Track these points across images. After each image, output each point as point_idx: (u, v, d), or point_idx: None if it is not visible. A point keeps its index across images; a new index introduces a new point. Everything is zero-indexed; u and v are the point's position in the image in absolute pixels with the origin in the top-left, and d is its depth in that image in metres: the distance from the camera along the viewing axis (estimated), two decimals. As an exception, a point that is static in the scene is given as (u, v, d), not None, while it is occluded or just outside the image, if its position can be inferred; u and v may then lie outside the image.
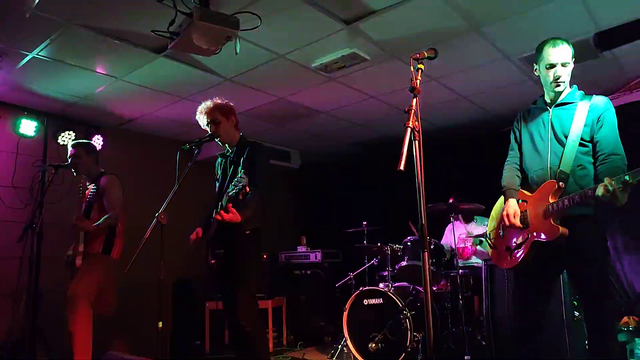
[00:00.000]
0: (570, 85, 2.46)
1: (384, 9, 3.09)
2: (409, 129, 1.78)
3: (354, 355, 4.20)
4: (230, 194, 2.70)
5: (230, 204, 2.74)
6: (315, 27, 3.31)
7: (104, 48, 3.48)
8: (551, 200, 2.28)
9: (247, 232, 2.99)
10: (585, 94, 2.44)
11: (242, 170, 2.74)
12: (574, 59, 2.39)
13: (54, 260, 3.87)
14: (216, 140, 3.11)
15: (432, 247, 4.36)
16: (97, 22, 3.14)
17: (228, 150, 3.23)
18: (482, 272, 3.93)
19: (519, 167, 2.59)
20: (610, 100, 2.42)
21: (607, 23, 3.38)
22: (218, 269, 3.12)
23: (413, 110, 1.83)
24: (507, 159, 2.66)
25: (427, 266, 1.73)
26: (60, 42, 3.38)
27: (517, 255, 2.41)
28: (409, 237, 4.52)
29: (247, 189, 2.63)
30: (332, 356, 4.49)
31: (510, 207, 2.43)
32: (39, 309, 4.00)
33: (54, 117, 4.73)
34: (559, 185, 2.26)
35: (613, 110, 2.36)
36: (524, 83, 4.31)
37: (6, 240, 4.13)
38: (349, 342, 4.25)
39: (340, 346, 4.52)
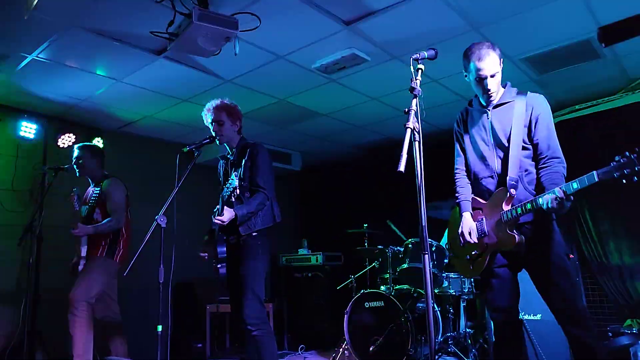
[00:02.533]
0: (504, 84, 2.44)
1: (383, 9, 3.08)
2: (409, 130, 1.77)
3: (355, 358, 4.17)
4: (224, 196, 2.70)
5: (225, 207, 2.76)
6: (315, 28, 3.30)
7: (103, 50, 3.47)
8: (505, 209, 2.29)
9: (254, 234, 2.97)
10: (519, 91, 2.42)
11: (235, 174, 2.75)
12: (501, 60, 2.35)
13: (53, 264, 3.85)
14: (216, 141, 3.09)
15: (433, 249, 4.33)
16: (96, 23, 3.13)
17: (229, 152, 3.22)
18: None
19: (466, 174, 2.58)
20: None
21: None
22: (225, 272, 3.11)
23: (413, 111, 1.83)
24: (456, 165, 2.63)
25: (429, 269, 1.71)
26: (59, 44, 3.37)
27: (479, 265, 2.42)
28: (410, 239, 4.50)
29: (238, 190, 2.69)
30: (333, 359, 4.46)
31: (465, 225, 2.44)
32: (39, 312, 3.99)
33: (54, 120, 4.72)
34: (510, 193, 2.27)
35: (549, 108, 2.37)
36: (525, 84, 4.29)
37: (6, 244, 4.11)
38: (350, 345, 4.22)
39: (341, 349, 4.50)
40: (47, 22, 3.06)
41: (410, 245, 4.44)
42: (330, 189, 6.97)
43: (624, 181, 1.90)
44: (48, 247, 4.10)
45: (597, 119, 4.65)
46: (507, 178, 2.29)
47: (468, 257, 2.48)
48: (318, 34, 3.38)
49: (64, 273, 3.77)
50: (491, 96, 2.37)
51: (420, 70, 1.98)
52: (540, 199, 2.12)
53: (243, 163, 3.05)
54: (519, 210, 2.22)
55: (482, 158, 2.42)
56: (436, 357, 3.81)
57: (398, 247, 4.51)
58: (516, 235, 2.26)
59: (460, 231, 2.46)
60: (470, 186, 2.54)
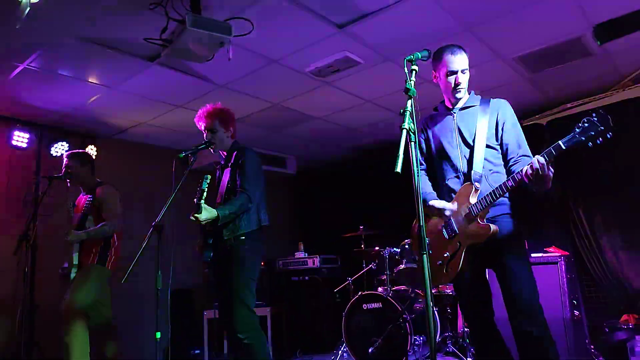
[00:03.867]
0: (469, 91, 2.49)
1: (376, 11, 3.10)
2: (405, 131, 1.78)
3: (354, 361, 4.17)
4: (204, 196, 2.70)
5: (205, 205, 2.74)
6: (308, 32, 3.31)
7: (96, 57, 3.46)
8: (472, 202, 2.27)
9: (241, 237, 2.95)
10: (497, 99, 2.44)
11: (207, 177, 2.71)
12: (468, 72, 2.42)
13: (49, 273, 3.82)
14: (210, 148, 3.10)
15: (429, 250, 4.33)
16: (89, 31, 3.13)
17: (222, 158, 3.22)
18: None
19: (428, 176, 2.56)
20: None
21: (600, 21, 3.39)
22: (214, 278, 3.09)
23: (408, 112, 1.83)
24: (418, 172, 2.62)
25: (427, 269, 1.72)
26: (51, 53, 3.36)
27: (454, 267, 2.32)
28: (406, 240, 4.51)
29: (205, 192, 2.66)
30: (333, 362, 4.46)
31: (437, 204, 2.36)
32: (35, 321, 3.96)
33: (47, 128, 4.69)
34: (475, 187, 2.28)
35: (512, 110, 2.41)
36: (517, 83, 4.33)
37: (0, 253, 4.08)
38: (348, 347, 4.22)
39: (340, 351, 4.49)
40: (39, 30, 3.05)
41: (407, 246, 4.45)
42: (325, 192, 6.98)
43: (590, 144, 1.93)
44: (43, 256, 4.08)
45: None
46: (472, 173, 2.30)
47: (440, 262, 2.36)
48: (311, 37, 3.39)
49: (59, 282, 3.74)
50: (459, 92, 2.39)
51: (414, 72, 1.99)
52: (508, 181, 2.12)
53: (230, 166, 3.07)
54: (488, 198, 2.19)
55: (448, 159, 2.42)
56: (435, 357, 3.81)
57: (395, 248, 4.52)
58: (490, 225, 2.21)
59: (439, 213, 2.36)
60: (429, 184, 2.52)
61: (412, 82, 1.95)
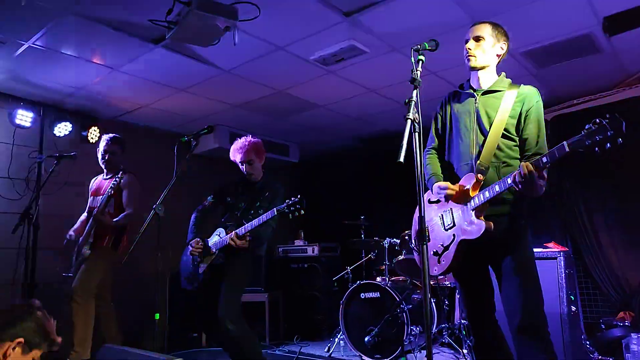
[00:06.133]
0: (499, 73, 2.37)
1: (383, 0, 3.07)
2: (410, 121, 1.77)
3: (350, 349, 4.21)
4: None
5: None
6: (315, 19, 3.28)
7: (101, 38, 3.44)
8: (472, 194, 2.15)
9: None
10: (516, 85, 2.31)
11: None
12: (498, 40, 2.29)
13: (49, 252, 3.86)
14: (245, 174, 3.28)
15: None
16: (94, 11, 3.10)
17: (247, 180, 3.34)
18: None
19: (438, 157, 2.47)
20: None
21: (609, 14, 3.34)
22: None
23: (413, 102, 1.82)
24: (427, 148, 2.51)
25: (426, 259, 1.72)
26: (56, 32, 3.34)
27: (446, 259, 2.24)
28: (406, 231, 4.51)
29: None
30: (329, 349, 4.49)
31: (436, 187, 2.27)
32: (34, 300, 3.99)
33: (51, 108, 4.69)
34: (477, 178, 2.14)
35: (541, 103, 2.24)
36: (523, 77, 4.30)
37: (2, 232, 4.10)
38: (345, 336, 4.25)
39: (337, 339, 4.53)
40: (44, 8, 3.02)
41: (406, 237, 4.46)
42: (327, 181, 6.97)
43: (597, 149, 1.76)
44: (44, 235, 4.09)
45: (593, 114, 4.63)
46: (477, 163, 2.18)
47: (434, 251, 2.28)
48: (317, 25, 3.36)
49: (59, 261, 3.79)
50: (470, 59, 2.28)
51: (420, 62, 1.98)
52: (508, 177, 1.99)
53: (262, 199, 3.21)
54: (487, 193, 2.07)
55: (462, 144, 2.30)
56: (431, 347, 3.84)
57: (394, 239, 4.53)
58: (483, 222, 2.09)
59: (441, 193, 2.26)
60: (438, 165, 2.43)
61: (418, 72, 1.93)
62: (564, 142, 1.83)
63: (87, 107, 4.83)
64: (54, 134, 4.61)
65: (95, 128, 4.80)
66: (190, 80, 4.28)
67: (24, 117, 4.39)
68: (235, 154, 3.27)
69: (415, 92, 1.86)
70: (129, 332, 4.11)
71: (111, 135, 3.95)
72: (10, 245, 3.98)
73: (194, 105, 4.86)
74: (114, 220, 3.69)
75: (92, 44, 3.56)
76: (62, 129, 4.64)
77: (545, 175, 1.93)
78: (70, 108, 4.79)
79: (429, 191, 2.41)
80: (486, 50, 2.28)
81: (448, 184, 2.26)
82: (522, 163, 1.92)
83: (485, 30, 2.28)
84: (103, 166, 3.90)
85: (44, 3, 2.96)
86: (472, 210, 2.14)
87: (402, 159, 1.65)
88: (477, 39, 2.27)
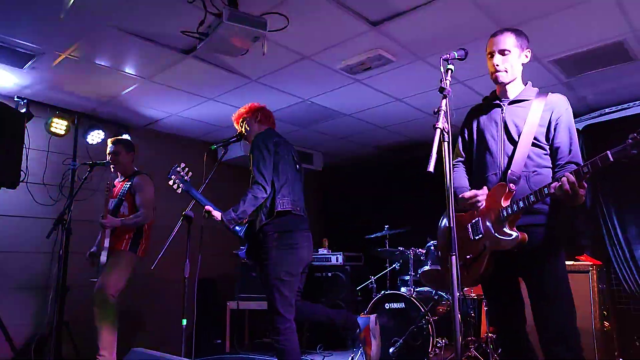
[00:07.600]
0: (525, 83, 2.33)
1: (410, 10, 3.07)
2: (439, 130, 1.76)
3: None
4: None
5: None
6: (342, 28, 3.31)
7: (134, 49, 3.55)
8: (504, 205, 2.10)
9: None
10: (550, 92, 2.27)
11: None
12: (522, 48, 2.25)
13: (81, 256, 3.95)
14: (244, 139, 3.18)
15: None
16: (128, 23, 3.20)
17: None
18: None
19: (466, 169, 2.43)
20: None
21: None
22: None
23: (442, 111, 1.82)
24: (454, 161, 2.45)
25: (456, 270, 1.70)
26: (91, 43, 3.46)
27: (475, 271, 2.18)
28: (431, 242, 4.46)
29: None
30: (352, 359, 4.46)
31: (467, 195, 2.22)
32: (66, 304, 4.10)
33: (84, 117, 4.83)
34: (509, 188, 2.09)
35: (570, 110, 2.20)
36: (554, 86, 4.22)
37: (36, 236, 4.23)
38: (369, 346, 4.21)
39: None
40: (81, 21, 3.13)
41: (432, 247, 4.41)
42: (351, 190, 6.97)
43: None
44: (77, 240, 4.21)
45: (626, 123, 4.54)
46: (509, 172, 2.13)
47: (462, 262, 2.22)
48: (344, 34, 3.39)
49: (88, 264, 3.87)
50: (498, 76, 2.23)
51: (450, 71, 1.97)
52: (545, 188, 1.95)
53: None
54: (521, 204, 2.02)
55: (490, 154, 2.26)
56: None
57: (420, 249, 4.48)
58: (516, 233, 2.05)
59: (468, 201, 2.22)
60: (466, 178, 2.40)
61: (448, 82, 1.93)
62: (608, 152, 1.79)
63: (119, 116, 4.97)
64: (87, 142, 4.75)
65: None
66: (219, 89, 4.36)
67: (59, 125, 4.54)
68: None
69: (444, 101, 1.85)
70: (154, 336, 4.18)
71: (114, 137, 4.04)
72: (45, 249, 4.10)
73: (221, 114, 4.94)
74: (122, 220, 3.66)
75: (125, 54, 3.67)
76: (95, 136, 4.77)
77: (585, 185, 1.90)
78: (103, 116, 4.94)
79: (459, 191, 2.35)
80: (513, 63, 2.25)
81: (475, 191, 2.23)
82: (565, 174, 1.89)
83: (509, 42, 2.23)
84: (113, 169, 3.93)
85: (81, 15, 3.07)
86: (504, 221, 2.10)
87: (431, 169, 1.64)
88: (503, 52, 2.22)
